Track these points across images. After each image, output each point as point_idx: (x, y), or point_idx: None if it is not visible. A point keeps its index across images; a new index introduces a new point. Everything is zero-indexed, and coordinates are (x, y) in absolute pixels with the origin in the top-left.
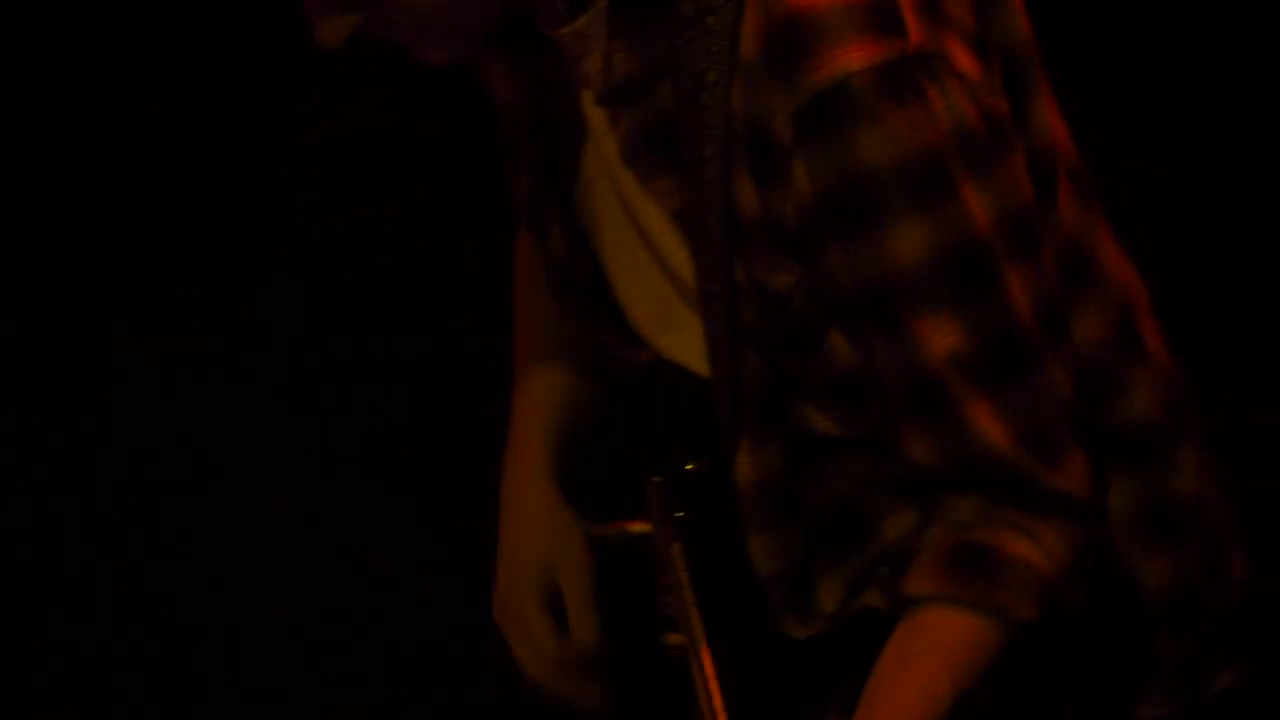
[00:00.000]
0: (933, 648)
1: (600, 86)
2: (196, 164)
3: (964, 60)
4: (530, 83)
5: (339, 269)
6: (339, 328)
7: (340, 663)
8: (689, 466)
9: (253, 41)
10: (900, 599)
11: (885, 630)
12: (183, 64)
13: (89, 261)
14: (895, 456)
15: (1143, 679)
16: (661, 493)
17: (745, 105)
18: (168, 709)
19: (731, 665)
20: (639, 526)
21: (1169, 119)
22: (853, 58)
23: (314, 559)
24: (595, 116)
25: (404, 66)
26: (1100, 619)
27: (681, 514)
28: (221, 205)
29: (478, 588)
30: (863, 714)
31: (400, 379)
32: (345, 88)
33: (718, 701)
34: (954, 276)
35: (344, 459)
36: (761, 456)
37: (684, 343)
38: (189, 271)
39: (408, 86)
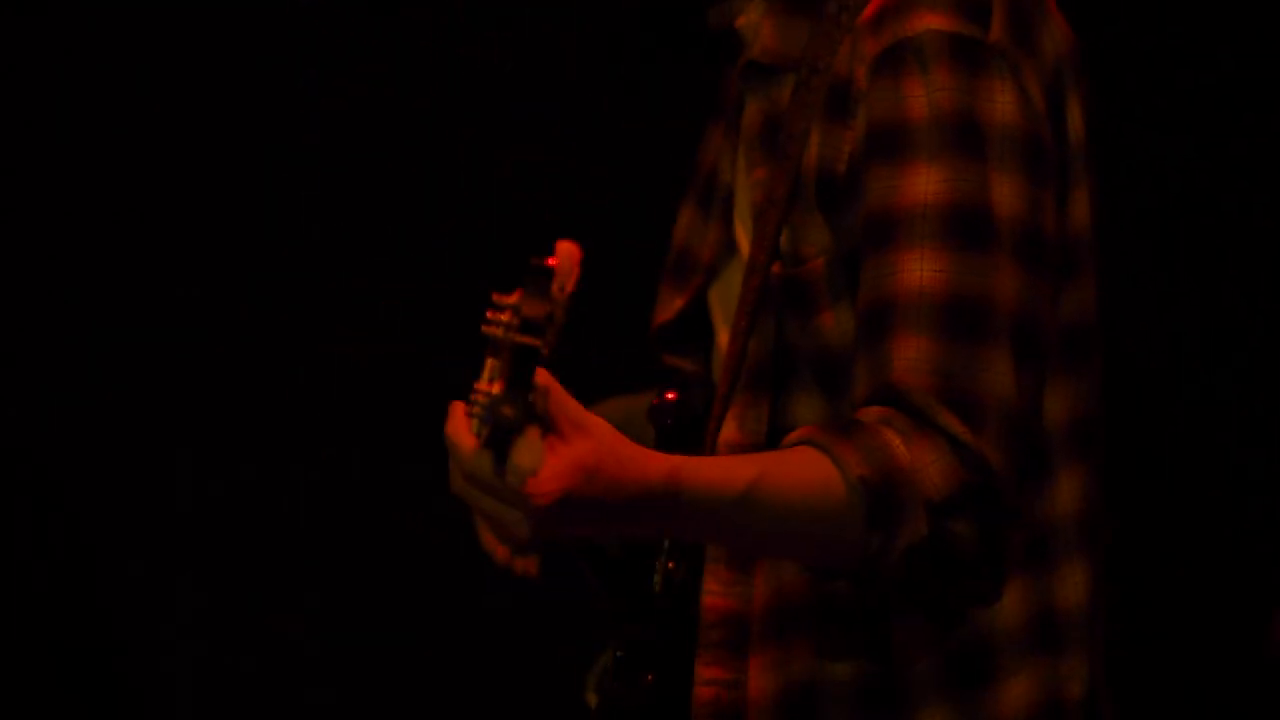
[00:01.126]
0: (774, 456)
1: (742, 71)
2: (193, 163)
3: (1033, 87)
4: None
5: (336, 269)
6: (337, 327)
7: (341, 665)
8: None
9: (251, 42)
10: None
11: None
12: (182, 63)
13: (88, 261)
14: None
15: None
16: None
17: (839, 69)
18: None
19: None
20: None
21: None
22: (938, 20)
23: (314, 559)
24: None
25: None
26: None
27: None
28: (218, 204)
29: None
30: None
31: (397, 380)
32: (342, 92)
33: None
34: (952, 225)
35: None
36: (747, 421)
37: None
38: (186, 271)
39: (405, 91)
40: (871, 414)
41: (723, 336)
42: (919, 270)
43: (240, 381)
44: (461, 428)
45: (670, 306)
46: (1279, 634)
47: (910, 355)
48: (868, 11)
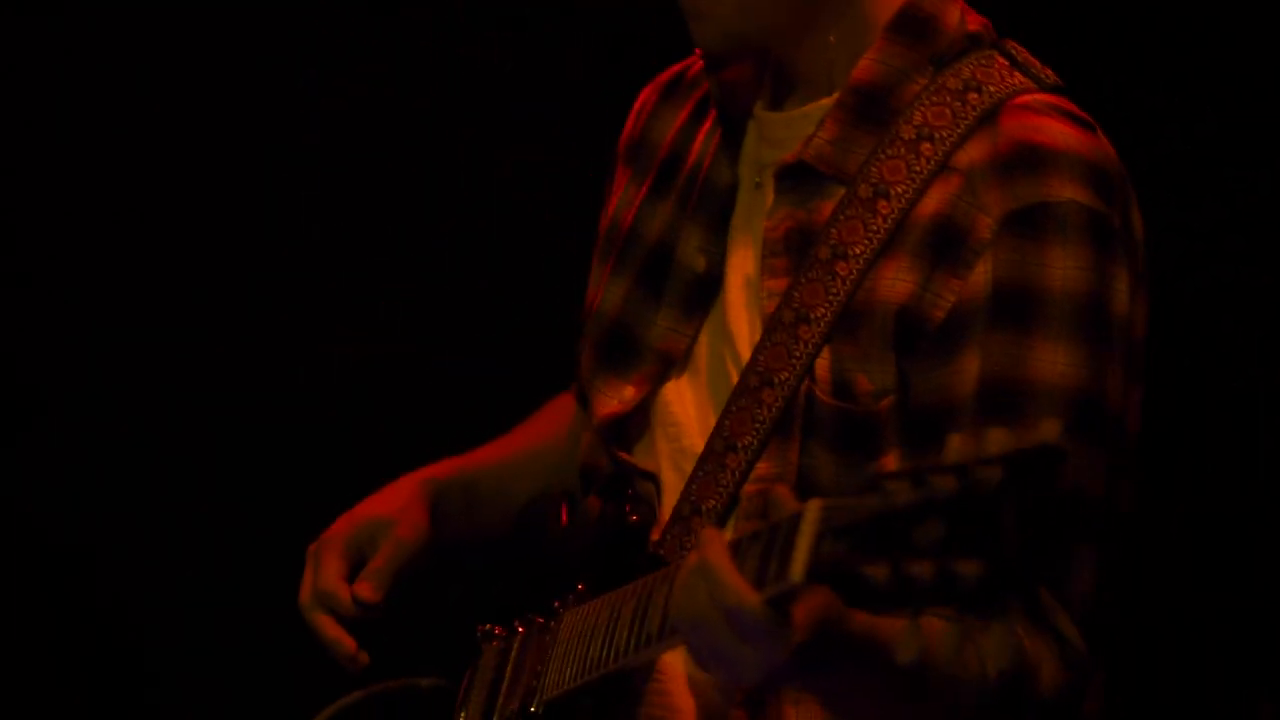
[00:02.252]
0: (927, 630)
1: (783, 168)
2: (193, 164)
3: (1134, 275)
4: (698, 140)
5: (336, 271)
6: (338, 330)
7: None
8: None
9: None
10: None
11: None
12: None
13: (86, 262)
14: None
15: None
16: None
17: (942, 207)
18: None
19: None
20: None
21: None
22: (1080, 193)
23: None
24: (748, 199)
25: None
26: None
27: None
28: (218, 204)
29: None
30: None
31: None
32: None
33: None
34: (1076, 413)
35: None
36: (748, 559)
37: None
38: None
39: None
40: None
41: (693, 438)
42: None
43: (240, 381)
44: (728, 561)
45: (619, 395)
46: None
47: None
48: (977, 154)
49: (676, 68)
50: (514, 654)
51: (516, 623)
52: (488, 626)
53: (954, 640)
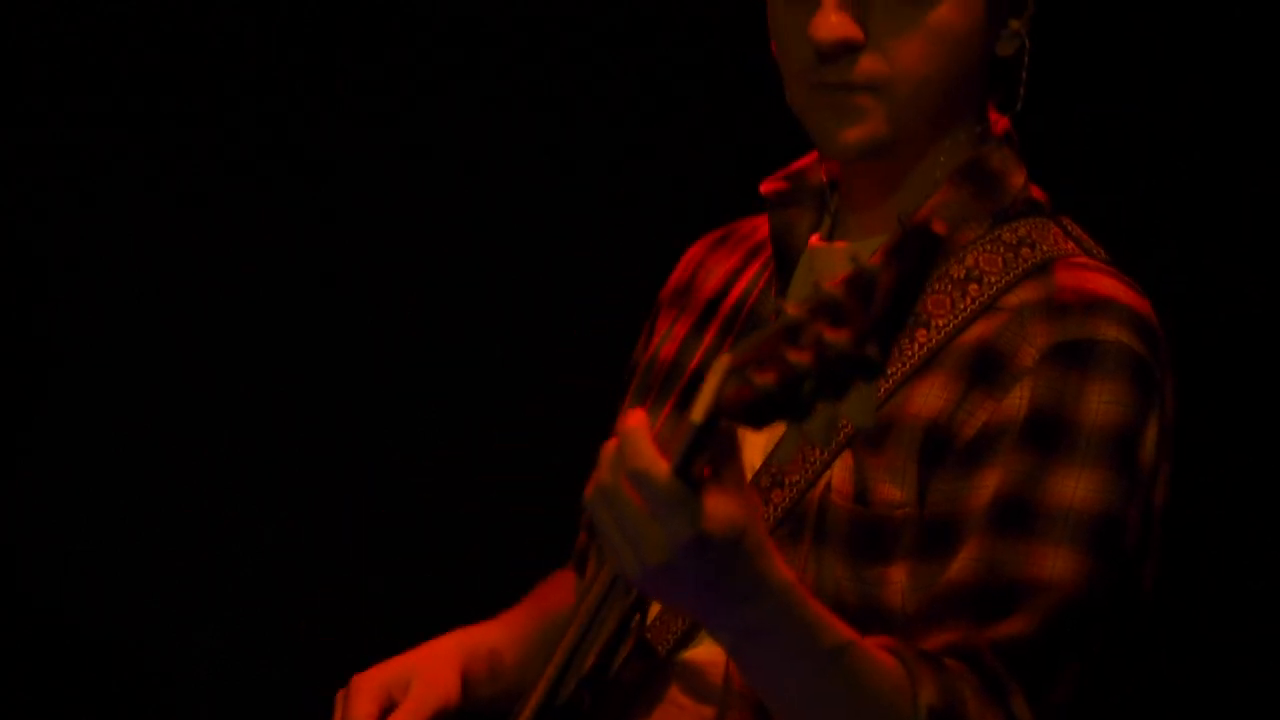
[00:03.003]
0: (861, 639)
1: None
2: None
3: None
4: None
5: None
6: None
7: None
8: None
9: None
10: None
11: None
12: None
13: (85, 264)
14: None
15: None
16: None
17: (985, 335)
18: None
19: None
20: None
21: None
22: (1128, 337)
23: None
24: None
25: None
26: None
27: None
28: (221, 205)
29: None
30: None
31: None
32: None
33: None
34: (1090, 529)
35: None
36: None
37: None
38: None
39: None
40: (953, 665)
41: None
42: (1051, 566)
43: (243, 383)
44: (644, 431)
45: None
46: None
47: (1012, 636)
48: (1028, 295)
49: (723, 229)
50: None
51: None
52: None
53: (891, 660)
